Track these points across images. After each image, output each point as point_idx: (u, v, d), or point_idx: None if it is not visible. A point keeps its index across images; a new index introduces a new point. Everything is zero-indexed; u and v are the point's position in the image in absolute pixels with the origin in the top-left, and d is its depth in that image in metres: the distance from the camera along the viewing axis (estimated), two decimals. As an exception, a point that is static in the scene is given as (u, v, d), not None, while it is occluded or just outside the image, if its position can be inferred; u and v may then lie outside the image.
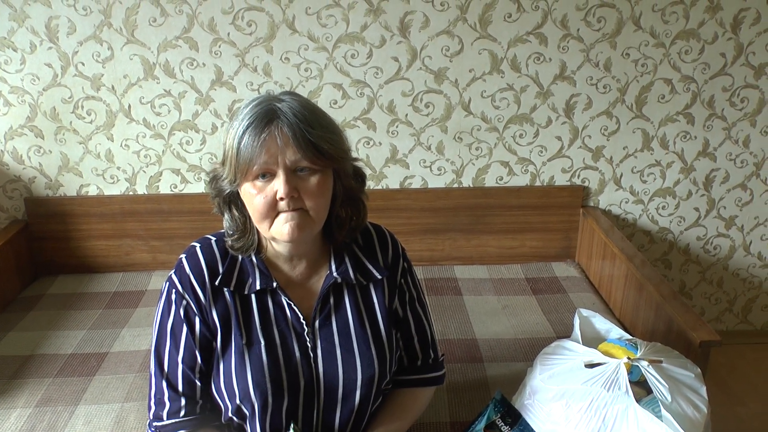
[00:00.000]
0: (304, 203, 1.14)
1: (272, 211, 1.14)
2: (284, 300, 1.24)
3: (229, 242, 1.23)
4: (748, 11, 2.29)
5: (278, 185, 1.12)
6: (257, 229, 1.21)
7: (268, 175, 1.13)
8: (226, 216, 1.23)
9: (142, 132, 2.35)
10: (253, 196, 1.14)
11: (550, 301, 2.24)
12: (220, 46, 2.25)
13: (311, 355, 1.24)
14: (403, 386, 1.40)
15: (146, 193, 2.44)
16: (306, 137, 1.11)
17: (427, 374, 1.41)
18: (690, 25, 2.30)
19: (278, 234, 1.16)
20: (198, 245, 1.26)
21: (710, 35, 2.32)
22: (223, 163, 1.18)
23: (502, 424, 1.44)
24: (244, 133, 1.11)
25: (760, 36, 2.32)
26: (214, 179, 1.21)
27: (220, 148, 1.20)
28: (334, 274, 1.26)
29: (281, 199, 1.12)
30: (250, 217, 1.19)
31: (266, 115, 1.12)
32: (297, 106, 1.14)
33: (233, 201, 1.22)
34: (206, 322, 1.21)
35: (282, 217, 1.15)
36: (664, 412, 1.31)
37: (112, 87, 2.28)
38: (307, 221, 1.16)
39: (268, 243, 1.25)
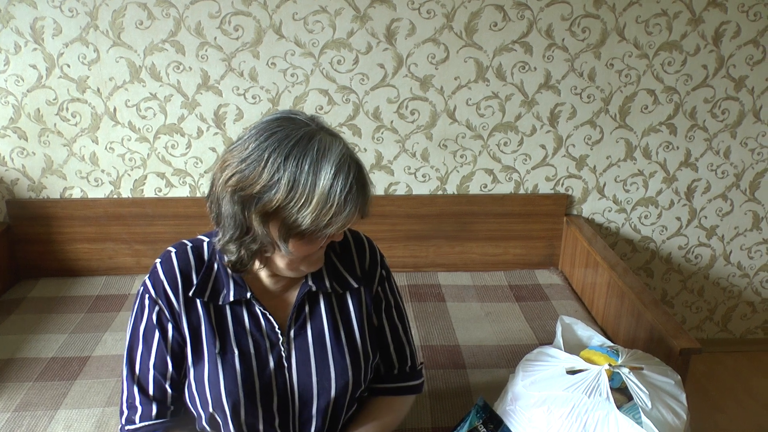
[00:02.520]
0: None
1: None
2: (259, 310, 1.23)
3: (227, 259, 1.18)
4: (729, 24, 2.32)
5: (337, 233, 1.14)
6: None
7: None
8: (244, 251, 1.14)
9: (128, 135, 2.34)
10: (317, 244, 1.15)
11: (533, 308, 2.26)
12: (206, 50, 2.25)
13: (285, 364, 1.23)
14: (379, 394, 1.39)
15: (131, 196, 2.43)
16: (370, 201, 1.14)
17: (403, 383, 1.40)
18: (673, 37, 2.33)
19: (305, 271, 1.21)
20: (173, 251, 1.24)
21: (692, 47, 2.35)
22: (304, 203, 1.05)
23: (484, 430, 1.45)
24: (348, 193, 1.07)
25: (741, 49, 2.36)
26: (279, 209, 1.08)
27: (287, 183, 1.06)
28: (309, 282, 1.26)
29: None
30: (259, 252, 1.16)
31: (361, 180, 1.10)
32: (361, 163, 1.15)
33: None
34: (179, 328, 1.21)
35: (315, 257, 1.19)
36: (644, 418, 1.32)
37: (98, 89, 2.28)
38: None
39: None
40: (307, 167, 1.04)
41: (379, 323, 1.36)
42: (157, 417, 1.23)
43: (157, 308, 1.20)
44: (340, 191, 1.05)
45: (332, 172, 1.05)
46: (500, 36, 2.30)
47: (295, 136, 1.06)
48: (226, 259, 1.17)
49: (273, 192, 1.05)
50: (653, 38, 2.33)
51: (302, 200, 1.05)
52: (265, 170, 1.05)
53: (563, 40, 2.31)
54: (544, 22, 2.29)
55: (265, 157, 1.05)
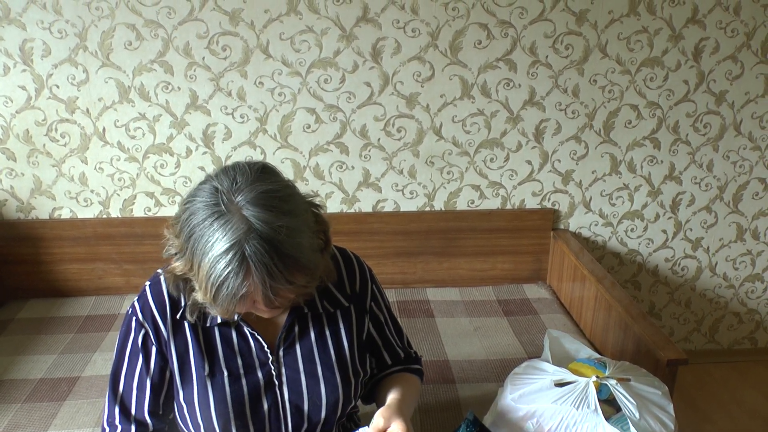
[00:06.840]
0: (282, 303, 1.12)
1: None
2: (247, 330, 1.24)
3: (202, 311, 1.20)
4: (708, 40, 2.36)
5: (261, 310, 1.12)
6: None
7: None
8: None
9: (117, 155, 2.35)
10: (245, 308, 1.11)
11: (522, 322, 2.27)
12: (195, 70, 2.27)
13: (276, 382, 1.24)
14: (388, 376, 1.40)
15: (120, 216, 2.43)
16: (286, 281, 1.03)
17: (408, 365, 1.43)
18: (654, 53, 2.37)
19: (260, 314, 1.17)
20: (162, 273, 1.25)
21: (674, 63, 2.39)
22: (197, 279, 1.08)
23: (474, 443, 1.45)
24: (221, 285, 1.01)
25: (720, 64, 2.40)
26: (190, 288, 1.15)
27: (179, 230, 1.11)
28: (301, 303, 1.25)
29: None
30: None
31: (240, 266, 1.00)
32: (269, 241, 1.00)
33: None
34: (163, 352, 1.22)
35: (262, 311, 1.14)
36: (632, 429, 1.34)
37: (87, 110, 2.29)
38: (283, 306, 1.15)
39: None
40: (198, 249, 1.03)
41: (380, 339, 1.39)
42: (135, 430, 1.24)
43: (143, 331, 1.21)
44: (215, 279, 1.01)
45: (214, 258, 1.01)
46: (485, 54, 2.33)
47: (202, 213, 1.04)
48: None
49: (180, 260, 1.11)
50: (635, 54, 2.37)
51: (194, 277, 1.08)
52: (177, 239, 1.10)
53: (547, 57, 2.35)
54: (527, 40, 2.32)
55: (178, 227, 1.10)
